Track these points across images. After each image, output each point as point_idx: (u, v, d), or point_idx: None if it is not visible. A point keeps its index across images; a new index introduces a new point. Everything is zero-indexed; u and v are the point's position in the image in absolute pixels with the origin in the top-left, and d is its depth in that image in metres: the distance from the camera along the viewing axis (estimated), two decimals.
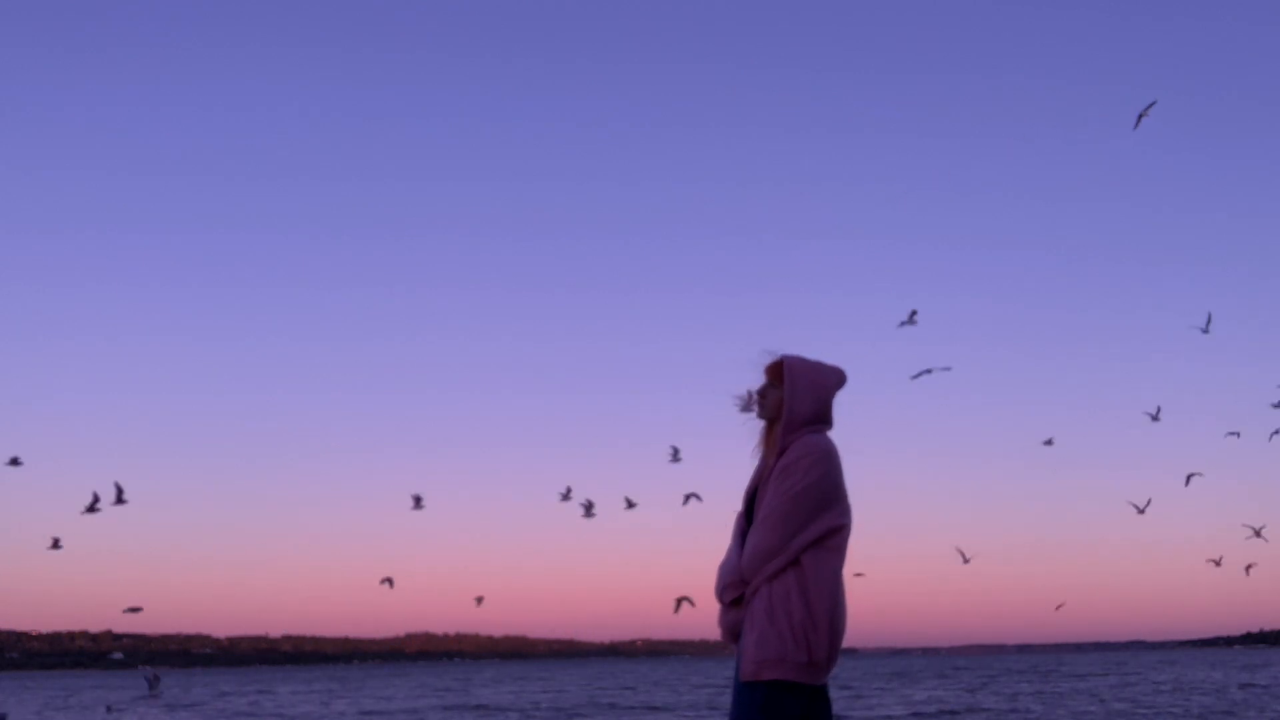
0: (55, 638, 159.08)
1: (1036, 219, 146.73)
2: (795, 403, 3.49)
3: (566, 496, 21.32)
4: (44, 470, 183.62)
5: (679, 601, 20.10)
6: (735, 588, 3.44)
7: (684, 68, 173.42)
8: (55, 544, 22.17)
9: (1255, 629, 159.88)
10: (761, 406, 3.60)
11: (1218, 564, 27.83)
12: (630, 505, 21.06)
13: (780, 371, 3.58)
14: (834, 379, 3.56)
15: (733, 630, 3.48)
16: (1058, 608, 39.32)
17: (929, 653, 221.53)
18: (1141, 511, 25.46)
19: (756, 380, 3.65)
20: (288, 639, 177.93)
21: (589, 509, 21.33)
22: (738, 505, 3.58)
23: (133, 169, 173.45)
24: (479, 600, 28.17)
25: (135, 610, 26.68)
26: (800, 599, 3.30)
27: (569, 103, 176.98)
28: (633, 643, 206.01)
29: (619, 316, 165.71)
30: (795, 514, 3.34)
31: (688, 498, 21.26)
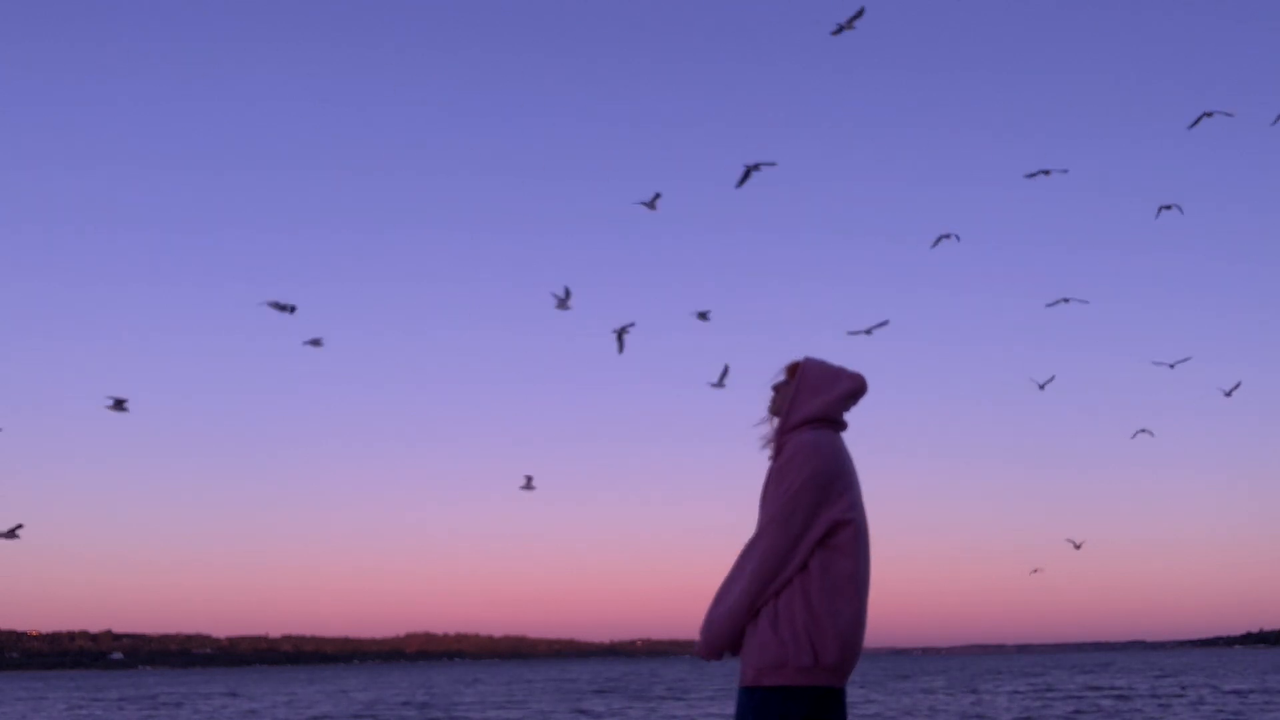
0: (55, 638, 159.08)
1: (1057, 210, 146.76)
2: (798, 400, 3.47)
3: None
4: (43, 470, 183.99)
5: None
6: (758, 597, 3.31)
7: (685, 67, 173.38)
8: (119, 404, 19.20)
9: (1255, 629, 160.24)
10: (772, 402, 3.58)
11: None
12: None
13: (795, 371, 3.56)
14: (847, 385, 3.50)
15: (732, 637, 3.34)
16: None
17: (929, 652, 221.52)
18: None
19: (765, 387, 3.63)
20: (288, 639, 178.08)
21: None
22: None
23: (130, 165, 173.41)
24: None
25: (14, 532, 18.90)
26: (803, 602, 3.24)
27: (568, 102, 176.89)
28: (633, 643, 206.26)
29: (619, 315, 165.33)
30: (798, 513, 3.29)
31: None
